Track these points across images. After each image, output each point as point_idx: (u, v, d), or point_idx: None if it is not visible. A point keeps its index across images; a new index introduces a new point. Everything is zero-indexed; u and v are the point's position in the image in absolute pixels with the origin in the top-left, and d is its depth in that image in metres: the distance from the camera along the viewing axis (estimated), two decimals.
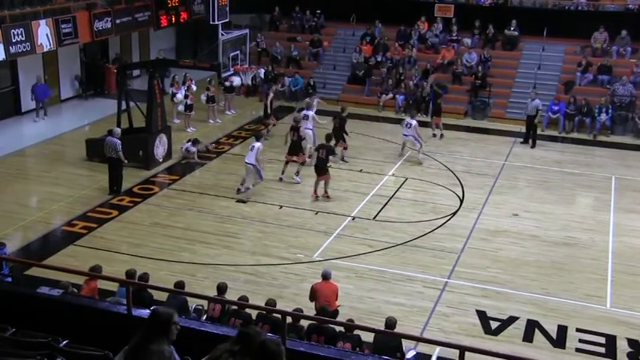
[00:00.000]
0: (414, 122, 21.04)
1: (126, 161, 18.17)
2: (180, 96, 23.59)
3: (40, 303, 7.55)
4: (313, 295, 11.83)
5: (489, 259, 15.24)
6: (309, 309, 11.46)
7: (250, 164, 17.72)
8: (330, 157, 18.22)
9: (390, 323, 10.31)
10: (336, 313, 11.26)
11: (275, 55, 29.69)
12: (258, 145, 17.87)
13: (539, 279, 14.45)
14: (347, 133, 21.16)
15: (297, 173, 19.24)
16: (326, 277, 12.02)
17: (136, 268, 11.81)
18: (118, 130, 18.39)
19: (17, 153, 21.20)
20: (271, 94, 23.63)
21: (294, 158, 19.39)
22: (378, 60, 28.43)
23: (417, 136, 21.00)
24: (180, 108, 23.92)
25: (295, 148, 19.45)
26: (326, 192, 18.12)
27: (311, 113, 21.13)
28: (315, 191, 18.13)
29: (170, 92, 24.14)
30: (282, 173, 19.30)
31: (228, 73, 21.83)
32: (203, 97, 24.45)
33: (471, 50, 28.33)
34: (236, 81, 24.57)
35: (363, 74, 28.10)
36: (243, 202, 17.88)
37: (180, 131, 22.78)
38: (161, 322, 5.44)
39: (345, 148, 21.01)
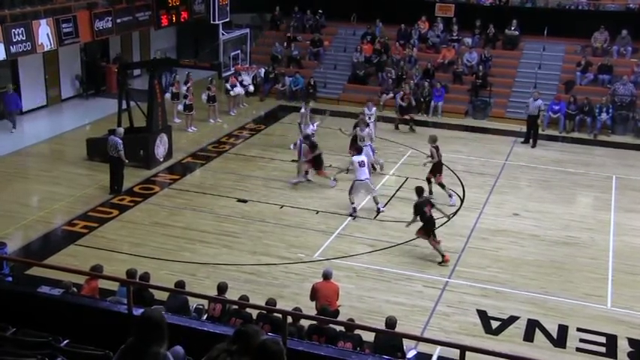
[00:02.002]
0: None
1: (127, 161, 18.18)
2: (167, 95, 23.45)
3: (41, 302, 7.55)
4: (314, 294, 11.83)
5: (490, 259, 15.24)
6: (309, 308, 11.46)
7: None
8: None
9: (391, 323, 10.32)
10: (336, 313, 11.27)
11: (275, 55, 29.70)
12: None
13: (539, 278, 14.45)
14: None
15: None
16: (327, 276, 12.02)
17: (136, 267, 11.82)
18: (121, 130, 18.40)
19: (18, 152, 21.22)
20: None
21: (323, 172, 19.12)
22: (381, 60, 28.43)
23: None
24: (180, 107, 23.93)
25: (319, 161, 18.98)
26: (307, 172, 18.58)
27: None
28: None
29: (170, 92, 24.13)
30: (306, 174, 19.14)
31: (229, 72, 21.83)
32: (204, 97, 24.46)
33: (472, 50, 28.31)
34: (237, 90, 24.65)
35: (363, 74, 28.12)
36: (244, 201, 17.89)
37: (181, 131, 22.79)
38: (153, 325, 5.40)
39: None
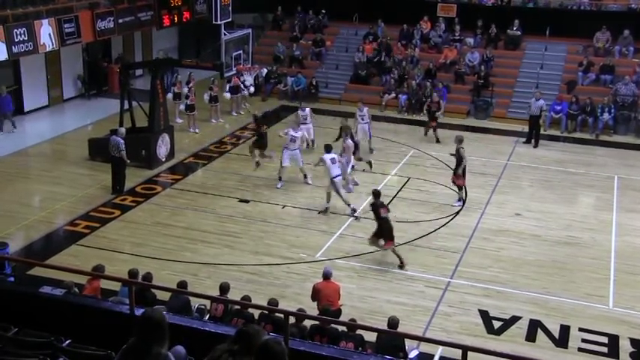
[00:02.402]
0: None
1: (128, 161, 18.19)
2: (169, 95, 23.47)
3: (43, 302, 7.56)
4: (316, 295, 11.83)
5: (491, 259, 15.24)
6: (311, 309, 11.45)
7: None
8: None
9: (393, 323, 10.32)
10: (339, 313, 11.27)
11: (278, 55, 29.70)
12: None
13: (541, 278, 14.44)
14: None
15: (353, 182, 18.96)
16: (327, 276, 12.02)
17: (138, 267, 11.82)
18: (123, 130, 18.41)
19: (20, 152, 21.24)
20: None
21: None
22: (382, 60, 28.45)
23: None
24: (182, 107, 23.93)
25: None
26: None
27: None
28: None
29: (172, 92, 24.13)
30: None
31: (231, 72, 21.83)
32: (206, 97, 24.47)
33: (474, 50, 28.31)
34: (226, 96, 24.59)
35: (365, 74, 28.13)
36: (246, 201, 17.90)
37: (183, 131, 22.80)
38: (154, 325, 5.40)
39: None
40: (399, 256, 14.71)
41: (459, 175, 18.13)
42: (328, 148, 17.58)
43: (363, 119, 21.36)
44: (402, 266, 14.64)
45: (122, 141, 17.89)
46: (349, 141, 18.82)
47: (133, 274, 11.26)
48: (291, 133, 19.02)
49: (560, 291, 13.98)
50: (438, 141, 22.97)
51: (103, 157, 19.18)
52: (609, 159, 22.35)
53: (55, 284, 8.61)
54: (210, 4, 24.17)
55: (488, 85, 26.69)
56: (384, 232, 14.70)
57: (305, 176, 19.12)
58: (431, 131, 23.26)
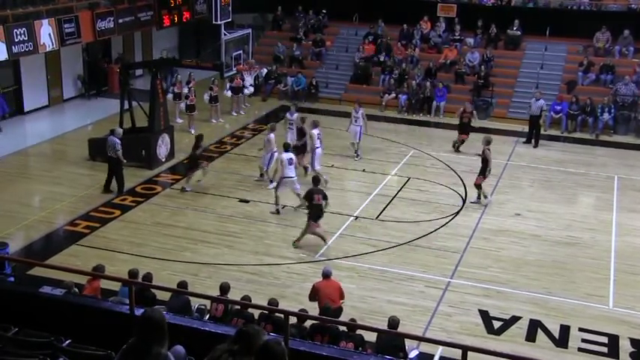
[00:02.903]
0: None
1: (125, 161, 18.15)
2: (169, 95, 23.45)
3: (43, 303, 7.56)
4: (315, 294, 11.82)
5: (491, 259, 15.24)
6: (312, 309, 11.45)
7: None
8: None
9: (394, 323, 10.32)
10: (340, 311, 11.27)
11: (278, 55, 29.70)
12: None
13: (541, 278, 14.44)
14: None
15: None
16: (327, 275, 12.02)
17: (138, 267, 11.82)
18: (120, 130, 18.41)
19: (20, 152, 21.24)
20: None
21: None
22: (381, 60, 28.45)
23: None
24: (182, 106, 23.91)
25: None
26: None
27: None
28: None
29: (172, 92, 24.11)
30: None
31: (232, 72, 21.84)
32: (206, 97, 24.47)
33: (474, 50, 28.31)
34: (227, 94, 24.33)
35: (365, 72, 28.13)
36: (246, 201, 17.90)
37: (183, 131, 22.79)
38: (153, 325, 5.40)
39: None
40: (322, 237, 15.35)
41: (483, 176, 17.97)
42: (286, 147, 17.58)
43: (356, 121, 21.12)
44: (324, 240, 15.40)
45: (118, 141, 17.87)
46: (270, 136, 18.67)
47: (132, 274, 11.26)
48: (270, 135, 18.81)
49: (560, 291, 13.98)
50: (457, 149, 22.18)
51: (103, 157, 19.16)
52: (609, 159, 22.34)
53: (55, 284, 8.61)
54: (210, 4, 24.18)
55: (489, 85, 26.70)
56: (312, 215, 15.33)
57: (261, 175, 19.14)
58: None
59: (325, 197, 15.41)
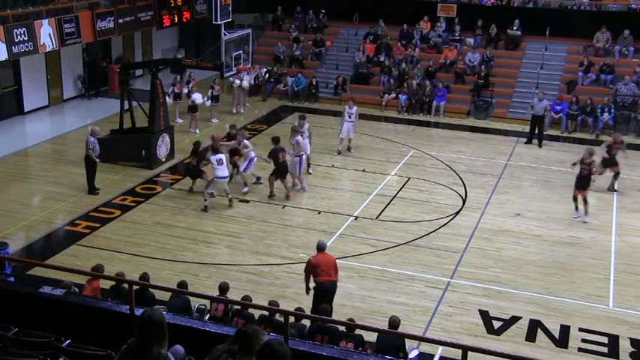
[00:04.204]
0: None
1: (98, 160, 18.04)
2: (198, 98, 23.44)
3: (43, 303, 7.55)
4: (313, 269, 11.86)
5: (492, 259, 15.23)
6: (308, 308, 11.46)
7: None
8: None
9: (394, 323, 10.32)
10: (336, 285, 11.85)
11: (278, 55, 29.71)
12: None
13: (541, 278, 14.44)
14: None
15: None
16: (322, 247, 12.10)
17: (138, 267, 11.85)
18: (96, 129, 18.32)
19: (20, 152, 21.24)
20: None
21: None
22: (381, 60, 28.46)
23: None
24: (206, 101, 23.93)
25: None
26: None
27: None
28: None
29: (172, 92, 24.09)
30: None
31: (232, 72, 21.85)
32: (207, 96, 24.44)
33: (474, 50, 28.30)
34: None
35: (366, 73, 28.13)
36: (246, 201, 17.90)
37: (183, 132, 22.78)
38: (153, 325, 5.39)
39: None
40: (287, 190, 17.84)
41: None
42: (214, 149, 17.55)
43: (350, 117, 21.28)
44: (271, 196, 17.63)
45: (92, 140, 17.83)
46: (296, 138, 18.39)
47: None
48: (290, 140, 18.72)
49: (560, 291, 13.98)
50: (613, 189, 19.64)
51: (102, 158, 19.16)
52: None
53: (55, 284, 8.61)
54: (210, 4, 24.21)
55: (489, 85, 26.70)
56: (280, 172, 17.74)
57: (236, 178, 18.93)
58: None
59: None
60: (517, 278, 14.42)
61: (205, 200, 17.26)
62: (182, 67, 24.97)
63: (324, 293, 11.88)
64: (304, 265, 12.45)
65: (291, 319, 10.12)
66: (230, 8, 20.49)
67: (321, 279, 11.90)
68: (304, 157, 18.74)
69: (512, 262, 15.14)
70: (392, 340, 10.14)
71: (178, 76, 25.07)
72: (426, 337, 11.35)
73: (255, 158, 18.57)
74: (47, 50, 22.18)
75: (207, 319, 10.64)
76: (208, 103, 24.38)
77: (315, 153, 20.53)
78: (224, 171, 17.25)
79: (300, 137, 18.52)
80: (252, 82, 26.78)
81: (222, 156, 17.34)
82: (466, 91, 27.05)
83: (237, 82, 25.39)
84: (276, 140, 17.87)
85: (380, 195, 18.55)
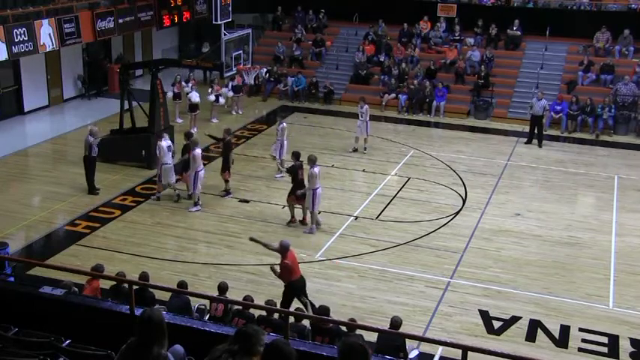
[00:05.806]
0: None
1: (95, 155, 18.11)
2: (169, 95, 23.43)
3: (43, 303, 7.55)
4: (291, 270, 12.03)
5: (492, 259, 15.23)
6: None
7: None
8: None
9: (396, 323, 10.32)
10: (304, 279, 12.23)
11: (278, 55, 29.70)
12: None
13: (541, 278, 14.44)
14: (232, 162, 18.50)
15: None
16: (288, 247, 12.23)
17: (138, 267, 11.85)
18: (95, 129, 18.34)
19: (20, 152, 21.24)
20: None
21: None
22: (381, 60, 28.47)
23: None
24: (230, 93, 24.28)
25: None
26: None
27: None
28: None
29: (171, 92, 24.10)
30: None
31: (232, 72, 21.85)
32: (211, 97, 24.48)
33: (474, 49, 28.30)
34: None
35: (365, 74, 28.13)
36: (246, 201, 17.90)
37: (182, 132, 22.71)
38: (153, 325, 5.39)
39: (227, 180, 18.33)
40: (303, 214, 16.45)
41: None
42: (161, 135, 18.07)
43: (361, 116, 21.58)
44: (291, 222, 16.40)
45: (91, 139, 17.85)
46: (314, 170, 16.20)
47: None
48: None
49: (560, 291, 13.97)
50: None
51: (102, 158, 19.17)
52: (609, 159, 22.34)
53: (55, 284, 8.61)
54: (210, 4, 24.21)
55: (489, 85, 26.70)
56: (295, 190, 16.29)
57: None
58: None
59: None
60: (517, 278, 14.42)
61: (175, 190, 17.79)
62: (183, 66, 24.94)
63: (300, 290, 12.15)
64: (304, 265, 12.48)
65: (291, 319, 10.13)
66: (230, 8, 20.49)
67: (295, 276, 12.08)
68: (319, 190, 16.17)
69: (512, 262, 15.14)
70: (392, 340, 10.14)
71: (178, 76, 25.06)
72: (426, 337, 11.35)
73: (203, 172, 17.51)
74: (47, 50, 22.18)
75: (207, 319, 10.65)
76: (230, 93, 25.06)
77: (315, 153, 20.44)
78: (169, 158, 17.70)
79: (316, 169, 16.03)
80: (252, 82, 26.77)
81: (169, 143, 17.86)
82: (466, 91, 27.05)
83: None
84: (296, 155, 16.45)
85: (380, 195, 18.55)
